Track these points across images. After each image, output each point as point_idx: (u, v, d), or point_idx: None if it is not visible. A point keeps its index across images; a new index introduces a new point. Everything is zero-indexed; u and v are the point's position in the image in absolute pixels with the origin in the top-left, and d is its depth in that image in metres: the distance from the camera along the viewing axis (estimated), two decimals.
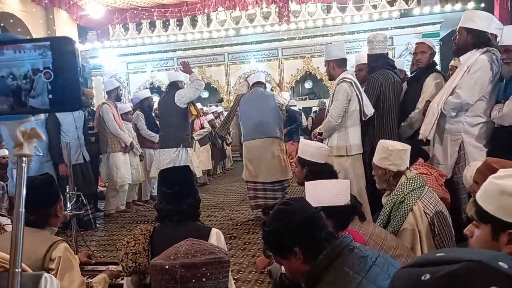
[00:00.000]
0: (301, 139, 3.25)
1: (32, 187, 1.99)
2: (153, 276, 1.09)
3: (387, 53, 3.81)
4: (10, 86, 0.73)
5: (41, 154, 4.12)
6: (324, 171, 2.58)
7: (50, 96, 0.73)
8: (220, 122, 6.07)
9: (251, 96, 4.79)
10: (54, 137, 4.54)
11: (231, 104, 5.04)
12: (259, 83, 4.88)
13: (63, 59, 0.72)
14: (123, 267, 1.81)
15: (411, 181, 2.35)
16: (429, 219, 2.28)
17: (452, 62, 3.94)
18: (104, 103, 5.41)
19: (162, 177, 1.99)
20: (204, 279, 1.04)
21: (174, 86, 4.99)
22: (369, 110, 3.44)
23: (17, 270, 0.75)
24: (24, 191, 0.78)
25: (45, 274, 1.25)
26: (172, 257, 1.07)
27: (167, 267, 1.05)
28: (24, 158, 0.78)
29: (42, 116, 0.80)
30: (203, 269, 1.05)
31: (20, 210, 0.77)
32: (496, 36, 3.14)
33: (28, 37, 0.76)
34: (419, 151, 3.14)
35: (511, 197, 1.09)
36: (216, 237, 1.89)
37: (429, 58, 3.67)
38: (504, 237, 1.11)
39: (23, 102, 0.73)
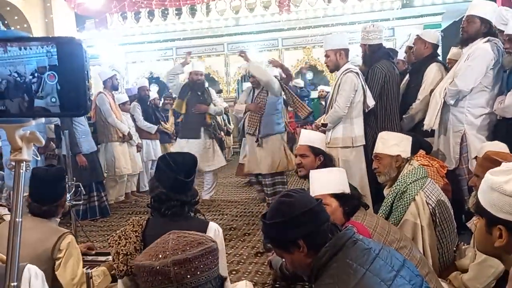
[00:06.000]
0: (302, 130, 3.17)
1: (47, 180, 2.06)
2: (143, 277, 1.02)
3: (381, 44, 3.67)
4: (16, 85, 0.67)
5: (38, 159, 4.23)
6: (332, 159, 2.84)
7: (54, 99, 0.67)
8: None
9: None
10: (69, 129, 4.44)
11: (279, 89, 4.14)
12: None
13: (69, 61, 0.67)
14: (115, 269, 1.69)
15: (413, 171, 2.36)
16: (431, 210, 2.27)
17: (450, 55, 3.89)
18: (100, 92, 5.29)
19: (173, 161, 1.72)
20: (198, 273, 1.01)
21: None
22: (371, 101, 3.42)
23: (13, 284, 0.72)
24: (21, 200, 0.72)
25: (28, 265, 1.31)
26: (161, 256, 1.01)
27: (158, 267, 0.99)
28: (22, 164, 0.73)
29: (43, 119, 0.75)
30: (196, 263, 1.01)
31: (17, 220, 0.71)
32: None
33: (32, 35, 0.71)
34: (420, 142, 3.12)
35: (497, 193, 1.09)
36: (214, 234, 1.72)
37: (421, 52, 3.64)
38: (496, 231, 1.12)
39: (30, 103, 0.68)
